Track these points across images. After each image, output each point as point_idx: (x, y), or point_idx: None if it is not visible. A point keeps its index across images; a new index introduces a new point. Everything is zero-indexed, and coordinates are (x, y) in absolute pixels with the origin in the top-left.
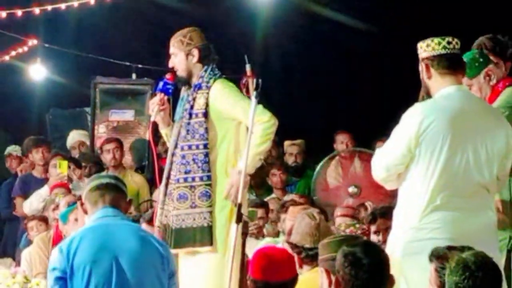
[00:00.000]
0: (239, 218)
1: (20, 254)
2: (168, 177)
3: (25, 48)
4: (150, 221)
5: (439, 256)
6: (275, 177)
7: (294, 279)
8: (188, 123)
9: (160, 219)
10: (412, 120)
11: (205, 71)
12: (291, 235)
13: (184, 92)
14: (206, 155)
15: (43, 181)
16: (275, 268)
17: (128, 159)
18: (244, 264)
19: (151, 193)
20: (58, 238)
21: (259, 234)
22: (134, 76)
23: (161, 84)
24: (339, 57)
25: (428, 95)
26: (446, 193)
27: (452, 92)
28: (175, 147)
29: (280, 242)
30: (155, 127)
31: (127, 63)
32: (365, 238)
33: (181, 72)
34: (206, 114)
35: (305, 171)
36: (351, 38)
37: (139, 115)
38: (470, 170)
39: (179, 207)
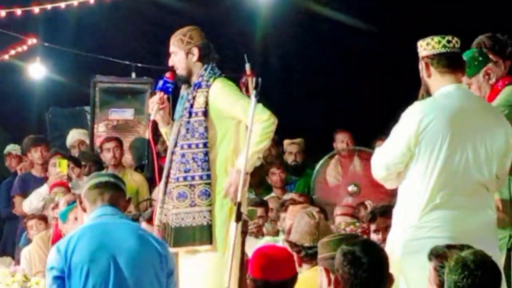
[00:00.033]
0: (238, 217)
1: (19, 252)
2: (168, 176)
3: (25, 47)
4: (150, 220)
5: (438, 255)
6: (275, 176)
7: (294, 278)
8: (188, 122)
9: (160, 218)
10: (412, 118)
11: (205, 70)
12: (290, 234)
13: (184, 90)
14: (206, 154)
15: (42, 180)
16: (274, 267)
17: (127, 158)
18: (243, 263)
19: (150, 192)
20: (57, 237)
21: (259, 233)
22: (133, 75)
23: (161, 82)
24: (339, 57)
25: (428, 94)
26: (445, 191)
27: (451, 90)
28: (175, 146)
29: (280, 241)
30: (154, 126)
31: (127, 62)
32: (365, 237)
33: (181, 71)
34: (205, 113)
35: (304, 170)
36: (350, 38)
37: (138, 114)
38: (470, 168)
39: (179, 206)
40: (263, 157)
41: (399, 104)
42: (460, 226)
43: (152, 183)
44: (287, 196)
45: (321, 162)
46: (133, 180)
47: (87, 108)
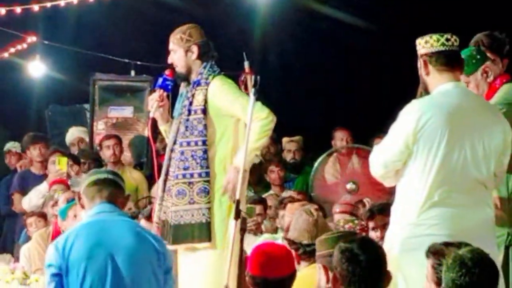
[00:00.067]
0: (237, 214)
1: (19, 250)
2: (167, 173)
3: (24, 45)
4: (149, 217)
5: (435, 253)
6: (273, 174)
7: (293, 275)
8: (187, 120)
9: (159, 215)
10: (410, 116)
11: (204, 67)
12: (288, 232)
13: (183, 88)
14: (205, 151)
15: (41, 178)
16: (273, 264)
17: (127, 155)
18: (242, 260)
19: (149, 190)
20: (57, 234)
21: (257, 231)
22: (133, 73)
23: (160, 80)
24: (338, 55)
25: (426, 92)
26: (444, 189)
27: (449, 88)
28: (174, 143)
29: (279, 239)
30: (154, 124)
31: (126, 60)
32: (363, 234)
33: (180, 69)
34: (205, 111)
35: (303, 167)
36: (349, 36)
37: (138, 111)
38: (468, 166)
39: (178, 203)
40: (262, 155)
41: (397, 102)
42: (458, 224)
43: (151, 181)
44: (286, 194)
45: (319, 159)
46: (132, 177)
47: (87, 106)
